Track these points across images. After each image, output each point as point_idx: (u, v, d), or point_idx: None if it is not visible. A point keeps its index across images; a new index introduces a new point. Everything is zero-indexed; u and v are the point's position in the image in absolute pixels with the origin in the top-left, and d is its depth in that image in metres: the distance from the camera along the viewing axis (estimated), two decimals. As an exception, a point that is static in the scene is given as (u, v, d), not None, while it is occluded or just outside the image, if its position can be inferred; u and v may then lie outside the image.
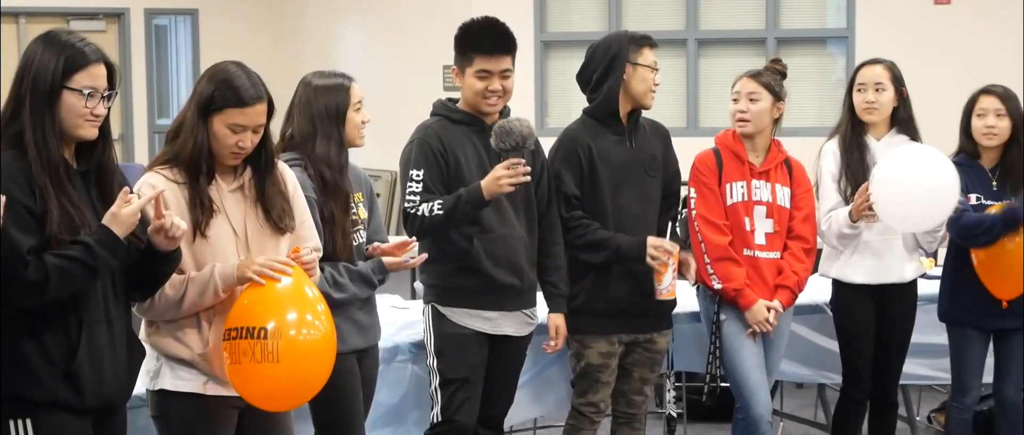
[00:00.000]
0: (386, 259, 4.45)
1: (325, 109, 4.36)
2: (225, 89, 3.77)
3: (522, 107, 11.21)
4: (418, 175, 4.70)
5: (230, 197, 3.83)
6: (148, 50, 12.76)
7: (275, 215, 3.87)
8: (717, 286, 5.13)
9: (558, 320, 4.99)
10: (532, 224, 4.91)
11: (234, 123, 3.76)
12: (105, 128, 3.55)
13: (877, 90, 5.40)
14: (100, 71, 3.50)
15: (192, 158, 3.77)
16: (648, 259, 4.95)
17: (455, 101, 4.87)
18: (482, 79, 4.76)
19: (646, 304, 5.05)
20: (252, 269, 3.69)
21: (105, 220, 3.42)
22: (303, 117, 4.39)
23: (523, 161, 4.63)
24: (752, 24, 11.29)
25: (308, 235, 4.00)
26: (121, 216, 3.42)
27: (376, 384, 4.61)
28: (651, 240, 4.96)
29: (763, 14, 11.22)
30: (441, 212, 4.65)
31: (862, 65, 5.51)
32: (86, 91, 3.46)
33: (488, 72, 4.76)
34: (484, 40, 4.78)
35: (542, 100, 11.47)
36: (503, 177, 4.61)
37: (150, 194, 3.48)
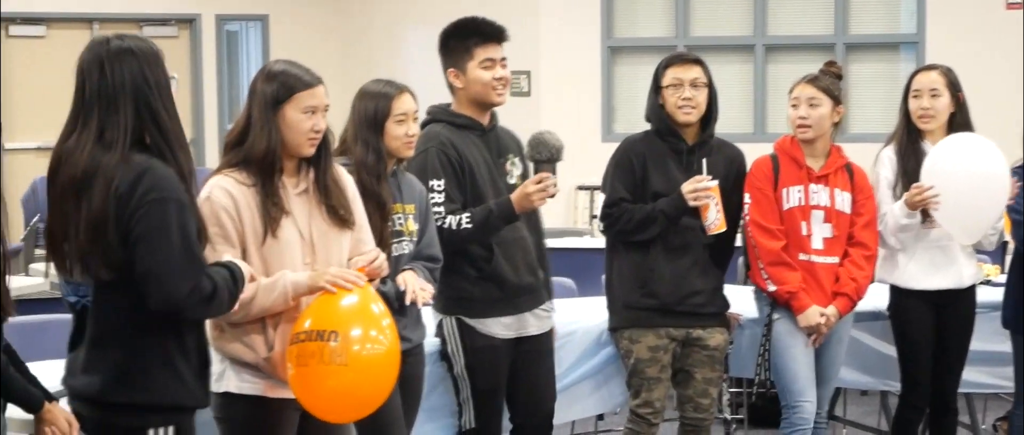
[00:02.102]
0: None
1: (364, 115, 4.40)
2: (287, 78, 3.84)
3: (589, 113, 11.24)
4: (439, 185, 4.70)
5: (296, 200, 3.87)
6: (219, 56, 12.89)
7: (339, 212, 3.91)
8: (771, 288, 5.13)
9: None
10: (536, 224, 4.95)
11: (307, 105, 3.82)
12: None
13: (933, 96, 5.38)
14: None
15: (265, 156, 3.81)
16: (691, 202, 4.98)
17: (449, 105, 4.87)
18: (487, 68, 4.77)
19: (696, 299, 5.10)
20: (325, 279, 3.74)
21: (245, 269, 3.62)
22: (351, 121, 4.44)
23: (552, 177, 4.65)
24: (820, 29, 11.23)
25: (367, 238, 4.04)
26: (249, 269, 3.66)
27: (423, 383, 4.63)
28: (685, 185, 4.99)
29: (832, 19, 11.16)
30: (470, 225, 4.67)
31: (917, 71, 5.51)
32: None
33: (492, 60, 4.77)
34: (482, 29, 4.80)
35: (609, 106, 11.47)
36: (534, 193, 4.64)
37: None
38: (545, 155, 4.66)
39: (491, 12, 11.51)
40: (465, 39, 4.79)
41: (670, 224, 5.05)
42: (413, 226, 4.54)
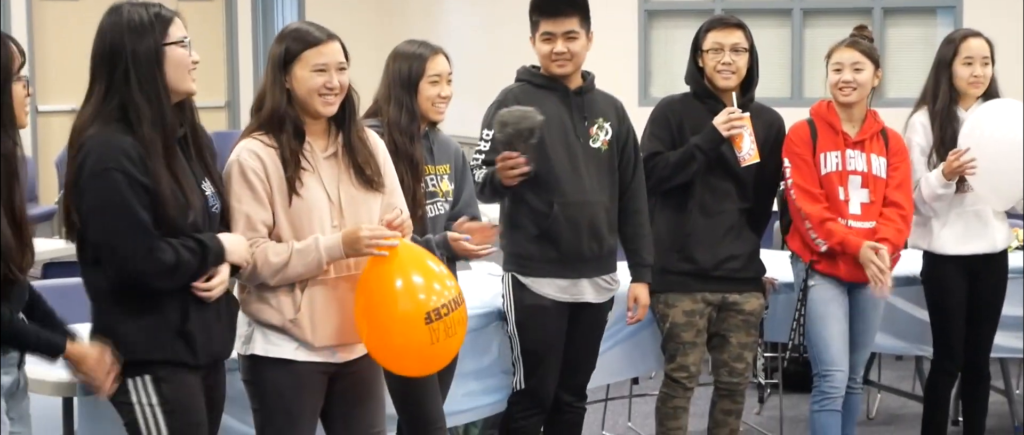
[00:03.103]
0: (454, 239, 4.43)
1: (398, 75, 4.40)
2: (294, 38, 3.87)
3: (625, 76, 11.20)
4: (487, 135, 4.71)
5: (324, 163, 3.88)
6: (255, 19, 12.90)
7: (368, 174, 3.92)
8: (822, 248, 5.10)
9: (639, 290, 4.98)
10: (614, 190, 4.90)
11: (315, 63, 3.83)
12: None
13: (984, 63, 5.36)
14: (180, 23, 3.61)
15: (276, 114, 3.84)
16: (725, 133, 4.97)
17: (539, 68, 4.89)
18: (547, 42, 4.78)
19: (732, 264, 5.12)
20: (365, 243, 3.77)
21: (226, 241, 3.62)
22: (383, 82, 4.45)
23: (517, 156, 4.52)
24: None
25: (398, 201, 4.05)
26: (240, 254, 3.68)
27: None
28: (717, 117, 4.99)
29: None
30: (478, 184, 4.67)
31: (965, 37, 5.43)
32: (185, 40, 3.58)
33: (551, 34, 4.76)
34: (545, 2, 4.80)
35: (645, 69, 11.43)
36: (499, 171, 4.57)
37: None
38: (506, 135, 4.54)
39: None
40: (533, 11, 4.84)
41: (707, 159, 5.03)
42: (448, 186, 4.56)
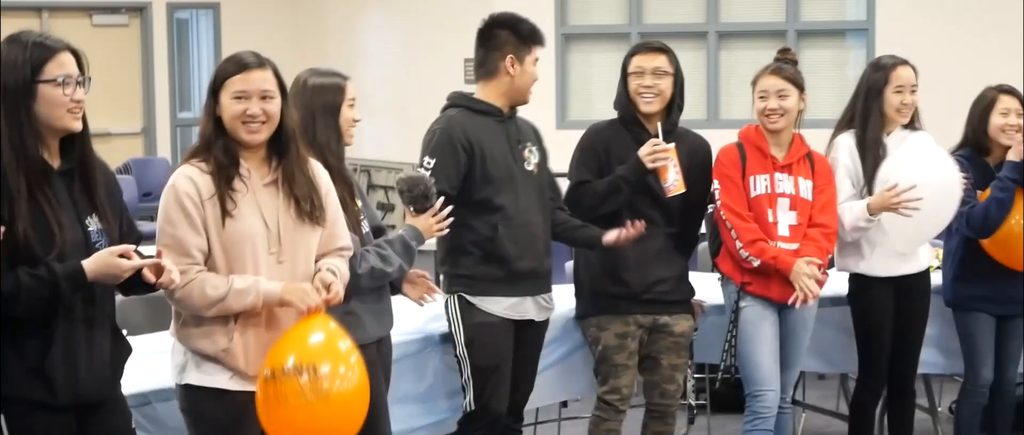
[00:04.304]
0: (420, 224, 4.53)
1: (323, 105, 4.42)
2: (226, 63, 3.87)
3: (543, 101, 11.26)
4: (429, 162, 4.78)
5: (263, 191, 3.86)
6: (170, 44, 12.83)
7: (306, 207, 3.89)
8: (755, 264, 5.14)
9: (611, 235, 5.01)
10: (546, 211, 5.02)
11: (237, 90, 3.80)
12: (85, 120, 3.56)
13: (912, 91, 5.46)
14: (68, 58, 3.52)
15: (207, 139, 3.83)
16: (649, 164, 5.01)
17: (471, 94, 4.96)
18: (534, 67, 4.95)
19: (661, 287, 5.17)
20: (295, 296, 3.77)
21: (88, 261, 3.44)
22: (302, 111, 4.37)
23: (444, 210, 4.59)
24: (772, 16, 11.31)
25: (340, 234, 4.04)
26: (107, 265, 3.45)
27: (392, 372, 4.64)
28: (642, 149, 5.03)
29: (783, 6, 11.24)
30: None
31: (895, 65, 5.49)
32: (60, 78, 3.47)
33: (536, 60, 4.94)
34: (540, 34, 4.99)
35: (563, 93, 11.50)
36: (433, 226, 4.60)
37: (149, 262, 3.49)
38: (420, 192, 4.59)
39: (445, -1, 11.26)
40: (532, 34, 4.94)
41: (632, 190, 5.08)
42: (359, 204, 4.58)
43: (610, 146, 5.16)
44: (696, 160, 5.24)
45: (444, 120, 4.89)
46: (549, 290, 5.04)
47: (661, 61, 5.13)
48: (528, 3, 11.49)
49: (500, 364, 4.89)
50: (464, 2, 11.08)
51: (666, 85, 5.13)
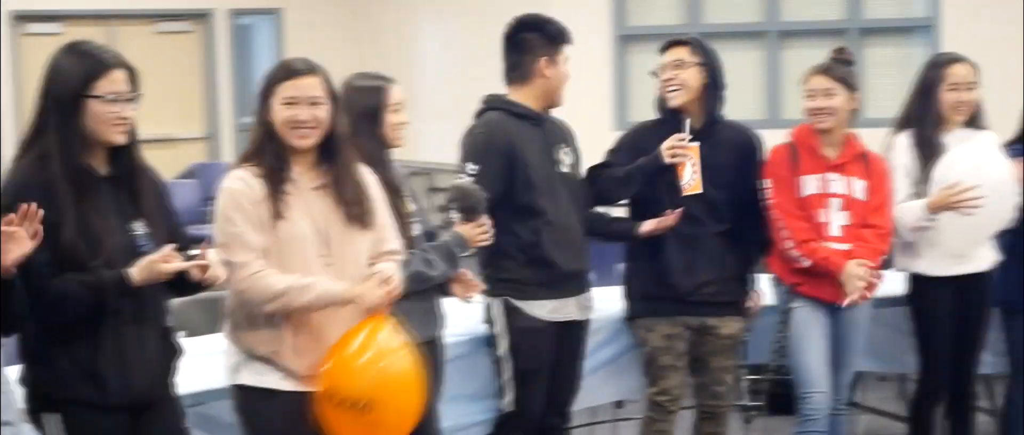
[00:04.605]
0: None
1: (364, 109, 4.43)
2: (276, 69, 3.93)
3: (600, 102, 11.24)
4: (473, 168, 4.78)
5: (312, 195, 3.90)
6: (232, 50, 12.93)
7: (355, 211, 3.93)
8: (805, 264, 5.11)
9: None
10: (582, 212, 5.03)
11: (287, 96, 3.85)
12: (133, 132, 3.65)
13: (969, 89, 5.39)
14: (120, 76, 3.61)
15: (258, 144, 3.89)
16: (667, 159, 4.98)
17: (504, 95, 4.97)
18: (566, 66, 4.95)
19: (708, 289, 5.13)
20: (356, 293, 3.82)
21: (134, 268, 3.52)
22: (348, 116, 4.38)
23: (486, 222, 4.62)
24: (833, 14, 11.21)
25: (389, 237, 4.07)
26: (152, 269, 3.54)
27: (444, 372, 4.67)
28: (665, 143, 4.99)
29: (844, 3, 11.14)
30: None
31: (950, 62, 5.45)
32: (109, 96, 3.56)
33: (566, 59, 4.96)
34: (566, 31, 4.99)
35: (621, 95, 11.46)
36: (477, 235, 4.62)
37: (192, 264, 3.57)
38: (470, 204, 4.61)
39: (503, 1, 11.54)
40: (560, 34, 4.96)
41: (646, 181, 5.04)
42: (412, 207, 4.59)
43: (647, 142, 5.11)
44: (742, 154, 5.19)
45: (484, 124, 4.90)
46: (589, 290, 5.06)
47: (680, 53, 5.09)
48: (585, 5, 11.54)
49: (542, 367, 4.91)
50: (520, 5, 11.06)
51: (689, 75, 5.06)
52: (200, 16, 12.78)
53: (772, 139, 5.35)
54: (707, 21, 11.28)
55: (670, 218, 5.00)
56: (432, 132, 10.50)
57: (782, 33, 11.25)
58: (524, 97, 4.94)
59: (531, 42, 4.93)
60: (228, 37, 12.91)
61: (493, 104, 4.96)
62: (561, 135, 5.03)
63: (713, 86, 5.11)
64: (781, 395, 6.37)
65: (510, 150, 4.83)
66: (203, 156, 12.75)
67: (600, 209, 5.20)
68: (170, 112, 12.39)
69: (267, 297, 3.80)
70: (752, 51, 11.09)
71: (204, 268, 3.59)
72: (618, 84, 11.40)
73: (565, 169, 4.97)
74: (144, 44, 12.07)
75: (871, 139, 5.39)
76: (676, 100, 5.08)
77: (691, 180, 5.06)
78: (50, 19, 12.16)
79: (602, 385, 5.47)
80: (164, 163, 11.39)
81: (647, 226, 5.06)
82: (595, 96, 11.10)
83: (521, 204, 4.84)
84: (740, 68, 10.56)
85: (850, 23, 11.09)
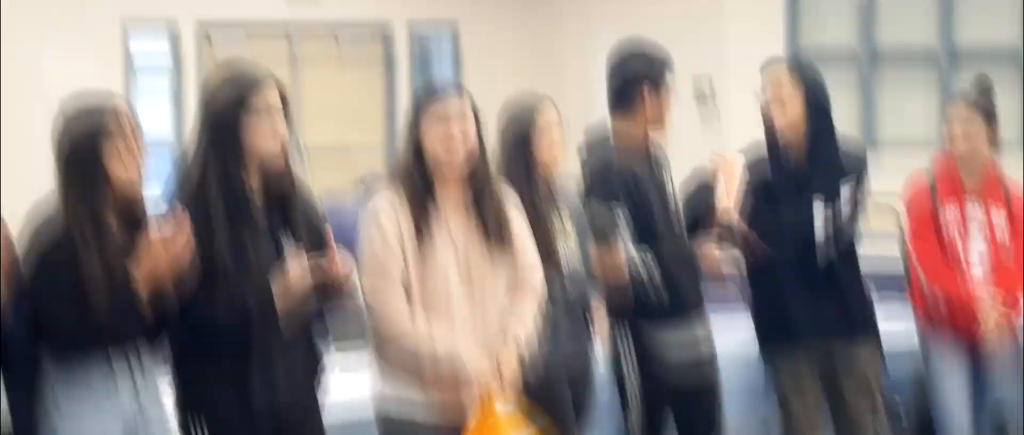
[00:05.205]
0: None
1: (513, 136, 4.56)
2: (422, 92, 4.06)
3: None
4: (594, 199, 4.85)
5: (454, 216, 3.99)
6: (412, 62, 13.15)
7: (493, 227, 4.00)
8: (941, 299, 5.10)
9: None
10: (686, 235, 5.03)
11: (436, 117, 3.94)
12: (286, 149, 3.79)
13: None
14: (272, 92, 3.76)
15: (406, 165, 3.98)
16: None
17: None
18: (671, 96, 5.06)
19: (830, 321, 5.00)
20: (475, 375, 3.83)
21: (277, 297, 3.69)
22: (497, 141, 4.55)
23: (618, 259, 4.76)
24: (1007, 36, 10.97)
25: (528, 263, 4.09)
26: (288, 296, 3.72)
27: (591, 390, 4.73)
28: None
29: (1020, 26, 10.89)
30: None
31: None
32: (265, 110, 3.71)
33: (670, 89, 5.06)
34: (669, 59, 5.11)
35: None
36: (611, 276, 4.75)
37: (322, 272, 3.75)
38: (601, 224, 4.73)
39: (675, 13, 11.48)
40: (664, 62, 5.09)
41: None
42: (569, 225, 4.66)
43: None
44: (850, 175, 4.98)
45: (600, 152, 4.92)
46: (707, 316, 4.99)
47: (783, 78, 5.01)
48: (761, 26, 11.44)
49: (667, 395, 4.90)
50: (694, 18, 11.11)
51: (789, 102, 4.97)
52: (380, 27, 12.96)
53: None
54: (879, 40, 11.12)
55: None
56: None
57: (953, 54, 10.99)
58: (628, 126, 4.98)
59: (636, 71, 4.99)
60: (407, 49, 13.13)
61: (602, 134, 5.01)
62: (663, 161, 5.06)
63: (812, 111, 4.97)
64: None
65: (631, 179, 4.89)
66: (381, 166, 13.01)
67: None
68: (350, 123, 12.75)
69: (385, 335, 3.88)
70: (924, 74, 10.88)
71: (332, 266, 3.75)
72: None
73: (669, 193, 5.02)
74: (327, 56, 12.48)
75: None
76: (779, 122, 4.96)
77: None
78: (232, 29, 12.42)
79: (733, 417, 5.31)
80: (341, 172, 11.77)
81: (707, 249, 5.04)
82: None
83: (639, 231, 4.85)
84: (911, 89, 10.48)
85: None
